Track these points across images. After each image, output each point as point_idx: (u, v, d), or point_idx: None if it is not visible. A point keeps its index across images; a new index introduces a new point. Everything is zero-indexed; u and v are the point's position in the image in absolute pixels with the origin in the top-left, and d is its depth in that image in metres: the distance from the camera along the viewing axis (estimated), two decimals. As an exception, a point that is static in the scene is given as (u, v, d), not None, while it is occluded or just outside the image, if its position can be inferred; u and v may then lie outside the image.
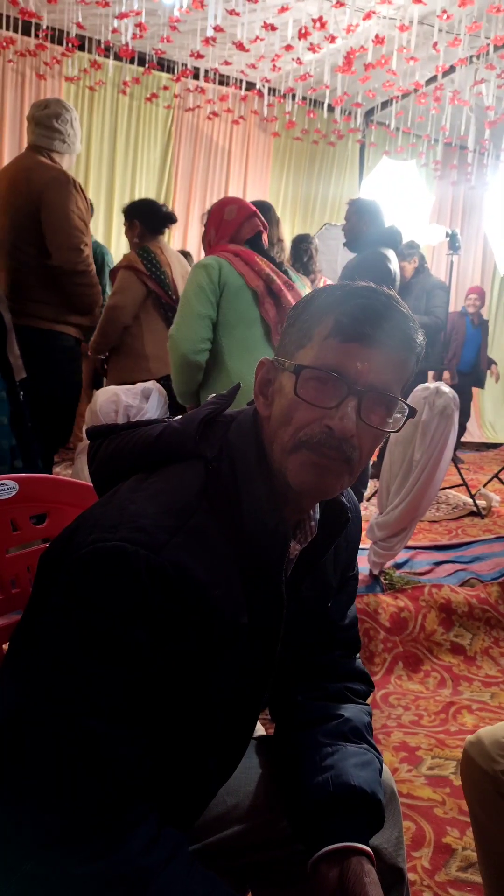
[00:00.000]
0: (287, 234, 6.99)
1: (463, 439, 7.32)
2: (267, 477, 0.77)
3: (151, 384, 2.76)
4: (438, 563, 3.08)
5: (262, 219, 2.35)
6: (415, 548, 3.26)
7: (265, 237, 2.37)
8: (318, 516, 0.87)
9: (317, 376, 0.74)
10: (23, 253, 2.64)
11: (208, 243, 2.40)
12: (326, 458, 0.73)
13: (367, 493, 4.44)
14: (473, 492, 4.33)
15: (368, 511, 3.97)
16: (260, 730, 1.08)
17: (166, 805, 0.70)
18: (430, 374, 4.60)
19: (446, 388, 2.54)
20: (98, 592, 0.67)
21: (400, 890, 0.89)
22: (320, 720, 0.89)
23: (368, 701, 0.99)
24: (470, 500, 4.23)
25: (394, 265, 3.11)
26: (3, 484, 1.01)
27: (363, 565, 2.83)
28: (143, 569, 0.66)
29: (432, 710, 2.20)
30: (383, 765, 0.90)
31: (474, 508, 4.14)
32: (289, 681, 0.94)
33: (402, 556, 3.03)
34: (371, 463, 5.15)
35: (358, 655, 1.01)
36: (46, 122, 2.73)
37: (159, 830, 0.67)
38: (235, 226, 2.31)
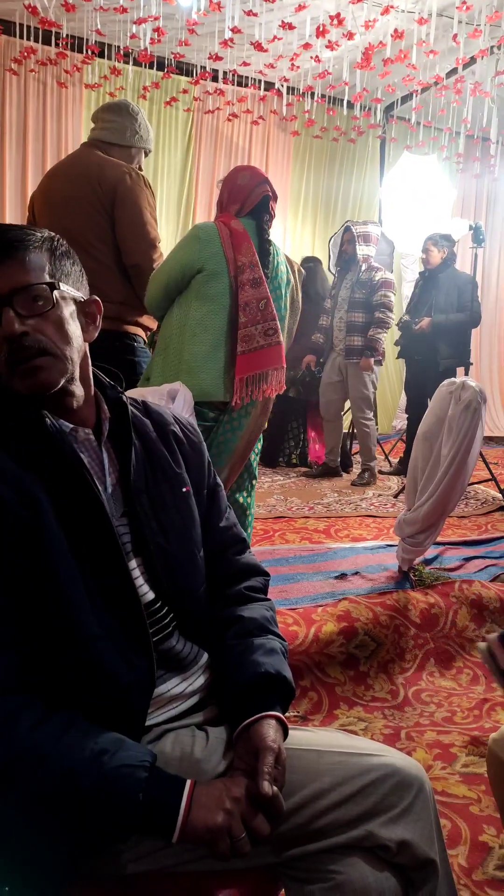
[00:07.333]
0: (309, 232, 7.02)
1: (491, 434, 7.22)
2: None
3: (178, 384, 2.77)
4: (468, 559, 3.05)
5: (272, 187, 2.44)
6: (444, 543, 3.24)
7: (273, 205, 2.44)
8: (110, 415, 1.01)
9: None
10: (98, 251, 2.56)
11: (220, 205, 2.48)
12: (26, 360, 0.88)
13: (394, 490, 4.42)
14: (502, 486, 4.28)
15: (397, 507, 3.95)
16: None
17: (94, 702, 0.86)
18: (460, 370, 4.54)
19: (472, 383, 2.51)
20: None
21: (434, 882, 0.87)
22: (229, 624, 1.05)
23: (268, 595, 1.15)
24: (499, 495, 4.18)
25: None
26: None
27: (392, 562, 2.82)
28: None
29: (465, 706, 2.18)
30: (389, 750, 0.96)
31: (503, 503, 4.10)
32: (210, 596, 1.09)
33: (431, 552, 3.01)
34: (397, 459, 5.12)
35: (250, 551, 1.17)
36: (103, 115, 2.71)
37: (48, 714, 0.81)
38: (247, 191, 2.41)
